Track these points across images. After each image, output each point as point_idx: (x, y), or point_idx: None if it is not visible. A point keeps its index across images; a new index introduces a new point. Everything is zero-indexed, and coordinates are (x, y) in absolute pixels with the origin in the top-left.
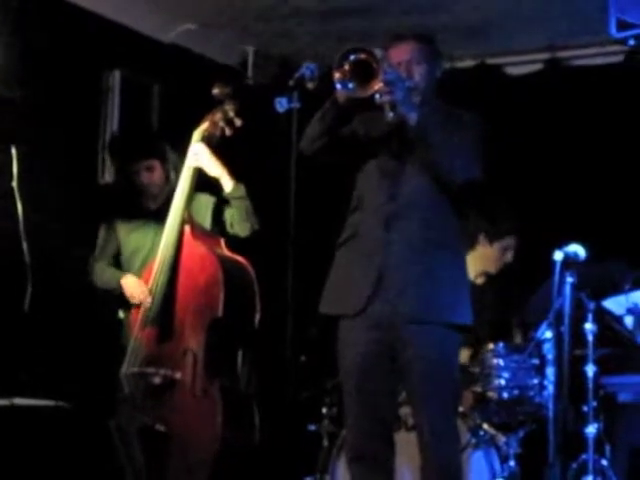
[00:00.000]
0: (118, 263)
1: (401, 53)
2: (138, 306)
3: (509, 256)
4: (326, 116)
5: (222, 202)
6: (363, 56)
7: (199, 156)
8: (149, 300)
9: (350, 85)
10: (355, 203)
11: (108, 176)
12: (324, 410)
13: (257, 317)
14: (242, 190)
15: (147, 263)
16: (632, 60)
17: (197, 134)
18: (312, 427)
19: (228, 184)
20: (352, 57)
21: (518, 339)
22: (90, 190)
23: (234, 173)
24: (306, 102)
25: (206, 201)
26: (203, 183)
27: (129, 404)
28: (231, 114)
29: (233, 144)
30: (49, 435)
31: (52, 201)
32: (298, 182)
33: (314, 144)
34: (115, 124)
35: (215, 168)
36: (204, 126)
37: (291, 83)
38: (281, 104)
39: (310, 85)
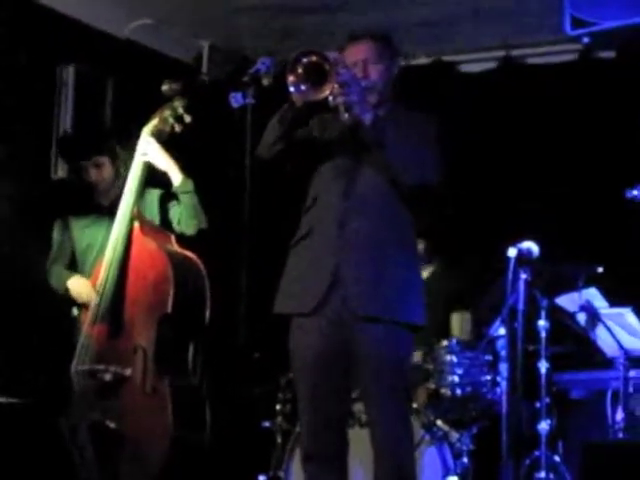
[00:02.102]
0: (75, 261)
1: (358, 52)
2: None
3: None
4: (283, 120)
5: (170, 197)
6: (315, 59)
7: (147, 151)
8: (95, 300)
9: (303, 88)
10: (310, 202)
11: (61, 171)
12: (278, 407)
13: (207, 313)
14: (190, 185)
15: (100, 259)
16: (586, 58)
17: (146, 131)
18: (266, 424)
19: (177, 178)
20: (304, 60)
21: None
22: (43, 185)
23: (188, 169)
24: (261, 98)
25: (157, 197)
26: (156, 179)
27: (80, 401)
28: (180, 110)
29: (187, 140)
30: (1, 432)
31: (4, 196)
32: (253, 178)
33: (272, 148)
34: (69, 119)
35: (163, 162)
36: (153, 122)
37: (246, 79)
38: (236, 100)
39: (265, 81)
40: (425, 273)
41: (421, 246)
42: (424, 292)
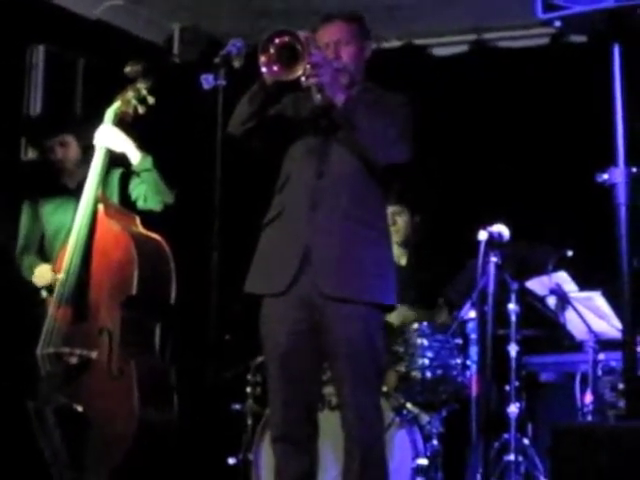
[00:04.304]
0: (43, 245)
1: (330, 34)
2: None
3: (399, 223)
4: (254, 99)
5: (131, 176)
6: (287, 39)
7: (103, 136)
8: (60, 282)
9: (275, 68)
10: (282, 182)
11: (31, 153)
12: (248, 389)
13: (173, 293)
14: (149, 162)
15: (66, 243)
16: (558, 42)
17: (110, 113)
18: (236, 406)
19: (135, 157)
20: (276, 40)
21: (443, 318)
22: (13, 167)
23: (159, 150)
24: (232, 79)
25: (118, 176)
26: (118, 160)
27: (46, 384)
28: (144, 92)
29: (157, 121)
30: None
31: None
32: (224, 158)
33: (243, 126)
34: (39, 100)
35: (120, 143)
36: (116, 105)
37: (217, 60)
38: (207, 81)
39: (236, 63)
40: (403, 261)
41: (405, 218)
42: (395, 272)
